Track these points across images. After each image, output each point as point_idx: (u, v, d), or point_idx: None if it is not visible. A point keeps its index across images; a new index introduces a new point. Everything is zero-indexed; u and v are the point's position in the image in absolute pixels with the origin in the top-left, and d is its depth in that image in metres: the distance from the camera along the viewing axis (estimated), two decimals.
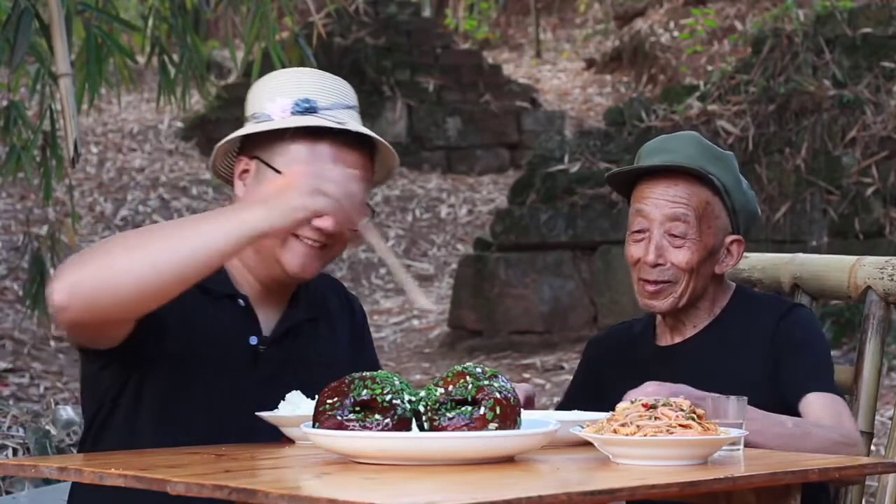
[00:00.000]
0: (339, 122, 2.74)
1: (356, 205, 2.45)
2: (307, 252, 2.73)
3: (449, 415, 2.32)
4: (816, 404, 2.94)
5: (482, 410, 2.31)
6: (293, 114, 2.75)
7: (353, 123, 2.77)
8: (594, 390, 3.14)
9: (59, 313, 2.45)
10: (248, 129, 2.78)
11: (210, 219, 2.48)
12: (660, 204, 3.03)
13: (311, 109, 2.76)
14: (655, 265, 3.03)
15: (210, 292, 2.74)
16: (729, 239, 3.07)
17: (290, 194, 2.42)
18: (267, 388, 2.72)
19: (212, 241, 2.43)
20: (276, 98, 2.78)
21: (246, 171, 2.79)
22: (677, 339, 3.12)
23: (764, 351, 3.02)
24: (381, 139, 2.80)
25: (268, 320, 2.81)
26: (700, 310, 3.10)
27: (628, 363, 3.13)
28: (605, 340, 3.26)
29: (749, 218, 3.12)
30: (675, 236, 3.02)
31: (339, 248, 2.78)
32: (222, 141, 2.81)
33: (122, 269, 2.41)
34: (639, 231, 3.06)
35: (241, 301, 2.78)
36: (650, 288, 3.05)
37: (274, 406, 2.65)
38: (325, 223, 2.68)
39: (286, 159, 2.73)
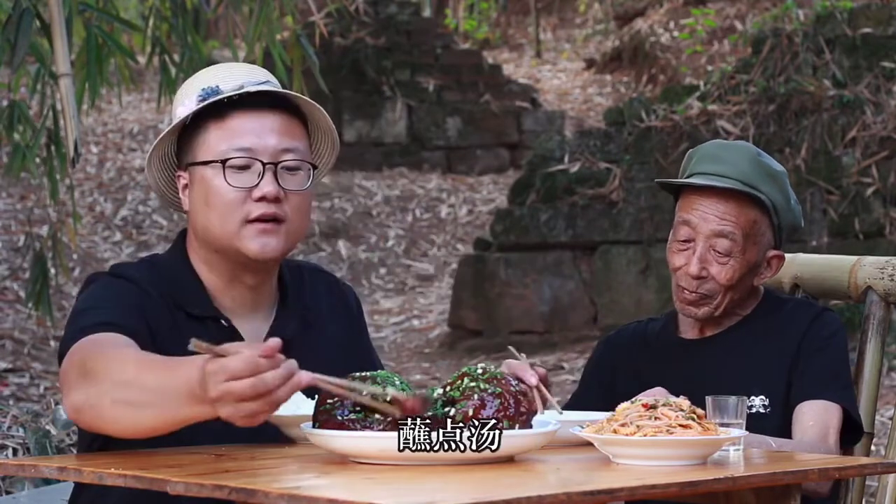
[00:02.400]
0: (234, 91, 2.72)
1: (279, 381, 2.22)
2: (262, 230, 2.71)
3: (426, 414, 2.34)
4: (808, 413, 2.95)
5: (452, 412, 2.32)
6: (198, 105, 2.74)
7: (254, 87, 2.73)
8: (607, 389, 3.14)
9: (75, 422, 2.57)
10: (156, 140, 2.78)
11: (178, 390, 2.32)
12: (708, 218, 3.04)
13: (214, 93, 2.74)
14: (697, 277, 3.05)
15: (194, 316, 2.73)
16: (770, 254, 3.10)
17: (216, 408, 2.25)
18: None
19: (172, 419, 2.36)
20: (183, 101, 2.78)
21: (186, 185, 2.78)
22: (706, 334, 3.15)
23: (793, 352, 3.05)
24: (289, 92, 2.77)
25: (256, 336, 2.76)
26: (732, 313, 3.14)
27: (649, 358, 3.15)
28: (619, 339, 3.26)
29: (792, 231, 3.15)
30: (720, 253, 3.04)
31: (295, 222, 2.73)
32: (145, 167, 2.81)
33: (106, 416, 2.42)
34: (684, 241, 3.08)
35: (223, 322, 2.75)
36: (689, 296, 3.08)
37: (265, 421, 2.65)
38: (263, 190, 2.68)
39: (205, 148, 2.73)
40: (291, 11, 6.94)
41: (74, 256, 9.95)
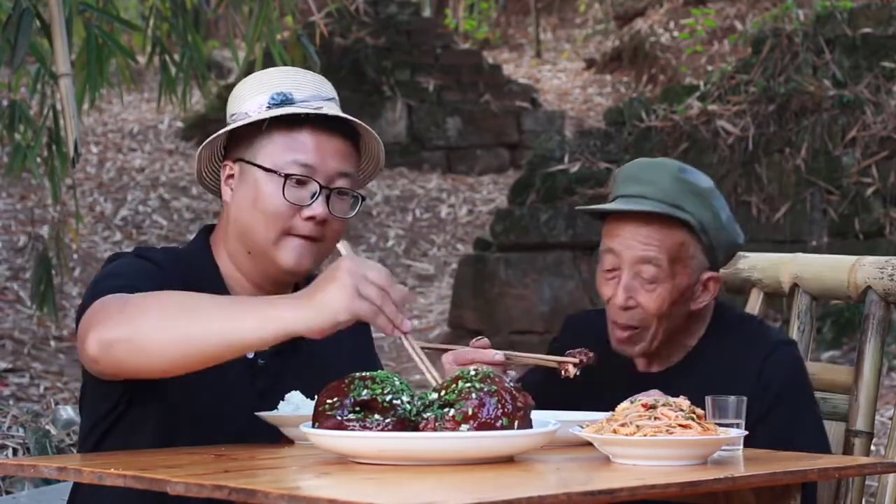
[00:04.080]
0: (315, 109, 2.76)
1: (397, 308, 2.39)
2: (301, 245, 2.75)
3: (425, 415, 2.34)
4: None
5: (451, 412, 2.32)
6: (269, 108, 2.77)
7: (331, 110, 2.78)
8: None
9: (91, 364, 2.52)
10: (225, 129, 2.80)
11: (248, 308, 2.43)
12: (630, 244, 2.90)
13: (287, 101, 2.77)
14: (626, 308, 2.91)
15: None
16: (705, 276, 2.95)
17: (333, 296, 2.35)
18: (264, 401, 2.71)
19: (245, 333, 2.40)
20: (253, 97, 2.79)
21: (231, 175, 2.80)
22: (654, 369, 3.02)
23: (750, 390, 2.81)
24: (361, 123, 2.81)
25: None
26: (676, 342, 2.99)
27: (603, 380, 2.95)
28: (583, 328, 3.09)
29: (729, 250, 2.99)
30: (646, 280, 2.89)
31: (330, 243, 2.78)
32: (202, 145, 2.83)
33: (153, 340, 2.43)
34: (609, 270, 2.94)
35: None
36: (621, 334, 2.94)
37: (268, 404, 2.66)
38: (314, 211, 2.72)
39: (267, 153, 2.75)
40: (291, 11, 6.95)
41: (75, 256, 9.95)
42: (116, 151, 12.77)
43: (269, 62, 6.26)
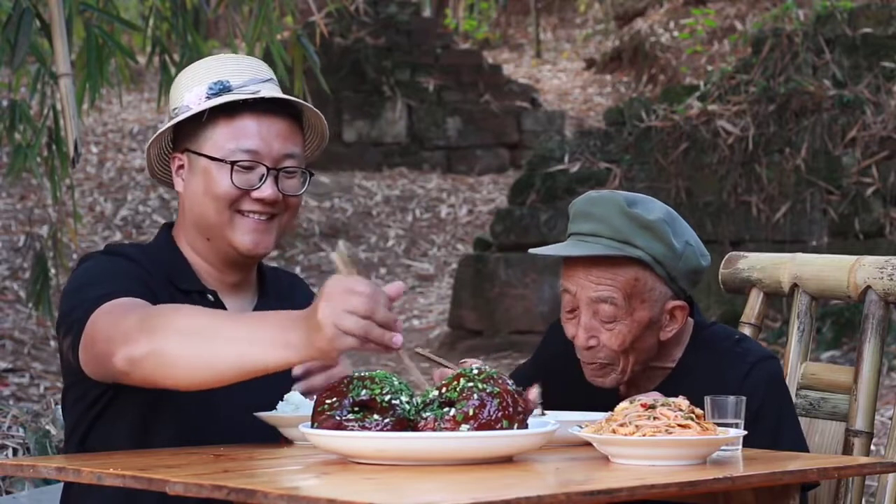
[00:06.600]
0: (251, 94, 2.79)
1: (387, 327, 2.32)
2: (256, 227, 2.79)
3: (425, 414, 2.34)
4: None
5: (452, 412, 2.32)
6: (208, 98, 2.80)
7: (270, 92, 2.82)
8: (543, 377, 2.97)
9: (121, 377, 2.53)
10: (167, 124, 2.84)
11: (260, 335, 2.40)
12: (584, 285, 2.89)
13: (225, 89, 2.81)
14: (588, 347, 2.89)
15: (182, 290, 2.80)
16: (670, 305, 2.90)
17: (318, 338, 2.30)
18: (251, 389, 2.70)
19: (251, 361, 2.39)
20: (191, 88, 2.83)
21: (181, 165, 2.85)
22: (633, 392, 2.94)
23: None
24: (300, 101, 2.84)
25: (242, 311, 2.84)
26: (653, 368, 2.97)
27: (585, 396, 2.93)
28: (567, 339, 3.03)
29: (692, 275, 2.94)
30: (604, 319, 2.87)
31: (288, 216, 2.82)
32: (149, 142, 2.87)
33: (176, 360, 2.44)
34: (569, 311, 2.93)
35: (209, 296, 2.83)
36: (590, 369, 2.91)
37: (249, 395, 2.65)
38: (263, 193, 2.76)
39: (212, 143, 2.79)
40: (291, 11, 6.95)
41: (74, 256, 9.95)
42: (116, 151, 12.77)
43: (269, 62, 6.26)
